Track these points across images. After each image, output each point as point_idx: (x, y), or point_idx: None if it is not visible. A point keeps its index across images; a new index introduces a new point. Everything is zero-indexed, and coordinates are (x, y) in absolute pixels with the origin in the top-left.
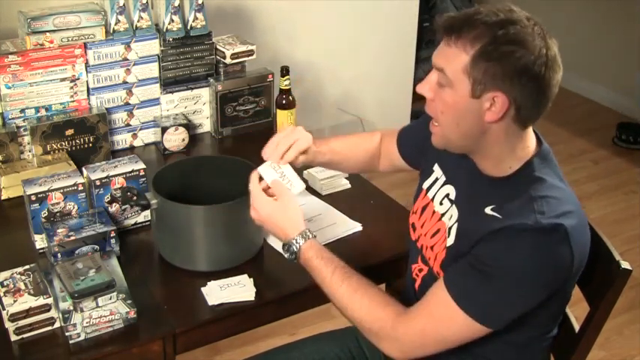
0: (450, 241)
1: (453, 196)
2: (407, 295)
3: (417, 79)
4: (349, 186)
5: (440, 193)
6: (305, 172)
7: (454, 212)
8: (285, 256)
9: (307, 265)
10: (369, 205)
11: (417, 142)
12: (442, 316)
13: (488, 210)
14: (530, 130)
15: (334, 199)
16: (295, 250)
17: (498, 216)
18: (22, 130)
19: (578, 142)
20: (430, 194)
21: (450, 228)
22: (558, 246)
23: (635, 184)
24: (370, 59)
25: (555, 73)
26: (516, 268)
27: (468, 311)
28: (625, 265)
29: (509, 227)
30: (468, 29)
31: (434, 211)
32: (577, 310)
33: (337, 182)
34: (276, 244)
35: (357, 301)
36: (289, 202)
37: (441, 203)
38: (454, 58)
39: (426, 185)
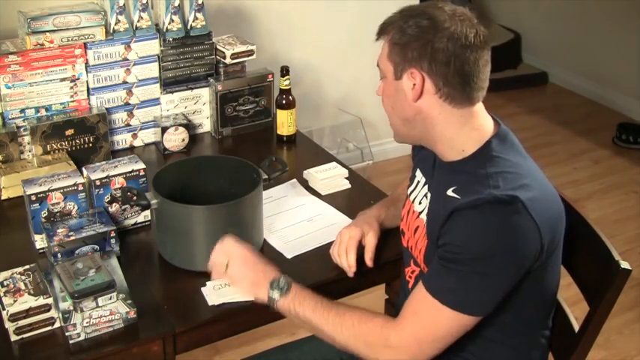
0: (426, 233)
1: (427, 193)
2: (401, 298)
3: None
4: (349, 186)
5: (419, 195)
6: (305, 172)
7: (427, 207)
8: (276, 292)
9: (296, 297)
10: (369, 205)
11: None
12: (427, 315)
13: (449, 192)
14: (477, 111)
15: (334, 199)
16: (287, 281)
17: (457, 197)
18: (22, 130)
19: (579, 141)
20: (412, 197)
21: (426, 222)
22: (517, 217)
23: (635, 184)
24: (370, 59)
25: (467, 51)
26: (480, 248)
27: (449, 304)
28: (625, 265)
29: (464, 204)
30: (391, 22)
31: (413, 211)
32: (577, 310)
33: (337, 182)
34: (277, 244)
35: (347, 320)
36: (252, 256)
37: (420, 203)
38: (382, 51)
39: (409, 191)
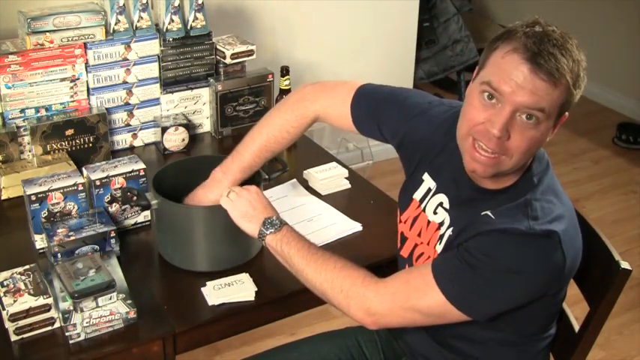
0: (440, 247)
1: (447, 205)
2: None
3: (417, 79)
4: (349, 186)
5: (432, 203)
6: (305, 172)
7: (447, 219)
8: (268, 228)
9: (287, 235)
10: (369, 205)
11: (389, 129)
12: (418, 286)
13: (484, 213)
14: None
15: (334, 199)
16: (279, 220)
17: (492, 216)
18: (22, 130)
19: (579, 142)
20: (422, 205)
21: (441, 236)
22: (551, 252)
23: (635, 184)
24: (370, 59)
25: None
26: (504, 265)
27: (444, 290)
28: (625, 265)
29: (502, 230)
30: (564, 68)
31: (429, 222)
32: (577, 310)
33: (337, 182)
34: None
35: (331, 264)
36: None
37: (435, 212)
38: (553, 94)
39: (418, 196)
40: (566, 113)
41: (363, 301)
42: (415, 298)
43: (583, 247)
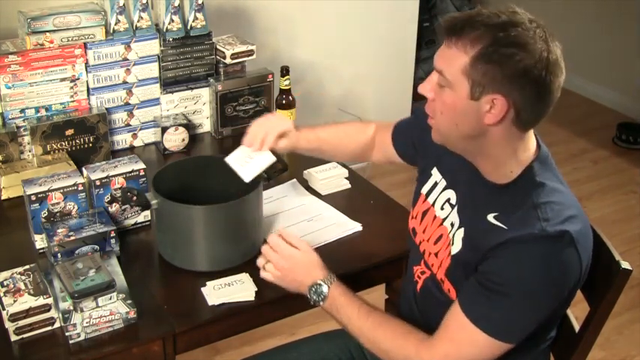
0: (455, 249)
1: (453, 201)
2: (405, 296)
3: (417, 79)
4: (349, 186)
5: (440, 198)
6: (305, 172)
7: (455, 218)
8: (313, 299)
9: (334, 304)
10: (369, 205)
11: (412, 139)
12: (463, 340)
13: (491, 218)
14: (531, 134)
15: (334, 199)
16: (325, 291)
17: (503, 227)
18: (22, 130)
19: (578, 142)
20: (430, 199)
21: (453, 235)
22: (566, 253)
23: (635, 184)
24: (370, 59)
25: (556, 77)
26: (526, 282)
27: (488, 331)
28: (625, 265)
29: (516, 239)
30: (469, 30)
31: (435, 216)
32: (577, 310)
33: (337, 182)
34: None
35: (381, 334)
36: (309, 247)
37: (442, 208)
38: (454, 60)
39: (425, 190)
40: (499, 97)
41: None
42: (466, 352)
43: None
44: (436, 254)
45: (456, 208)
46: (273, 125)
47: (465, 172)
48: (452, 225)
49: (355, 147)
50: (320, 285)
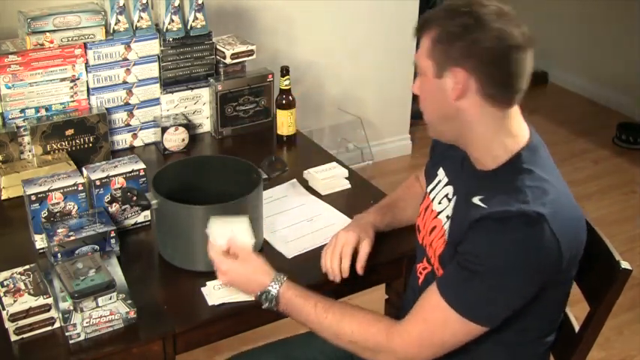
0: (448, 237)
1: (450, 195)
2: (407, 296)
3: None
4: (349, 186)
5: (440, 194)
6: (305, 172)
7: (450, 211)
8: (265, 305)
9: (289, 306)
10: (369, 205)
11: (432, 162)
12: (437, 320)
13: (476, 200)
14: (514, 115)
15: (334, 199)
16: (274, 294)
17: (484, 206)
18: (22, 130)
19: (578, 142)
20: (431, 195)
21: (448, 227)
22: (540, 235)
23: (635, 184)
24: (370, 59)
25: (513, 50)
26: (498, 259)
27: (460, 311)
28: (625, 265)
29: (491, 215)
30: (432, 20)
31: (432, 210)
32: (577, 310)
33: (337, 182)
34: (277, 244)
35: (346, 325)
36: (249, 254)
37: (439, 202)
38: (422, 49)
39: (429, 189)
40: (457, 69)
41: (392, 356)
42: (440, 333)
43: (583, 247)
44: (431, 244)
45: (452, 202)
46: (363, 247)
47: (464, 169)
48: (447, 217)
49: (415, 205)
50: (268, 291)
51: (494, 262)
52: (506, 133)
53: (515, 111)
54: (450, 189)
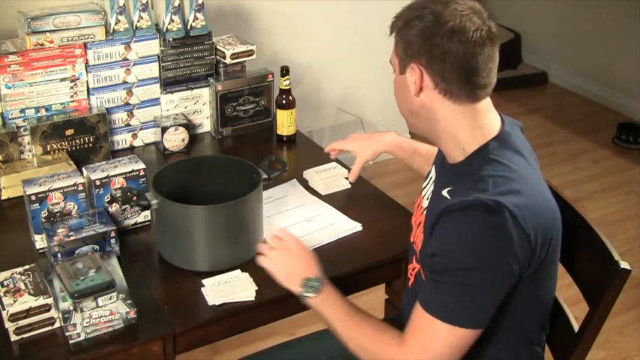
0: (424, 232)
1: (433, 191)
2: (403, 298)
3: None
4: (349, 186)
5: (429, 191)
6: (305, 172)
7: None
8: (304, 291)
9: (325, 300)
10: (369, 205)
11: None
12: (424, 332)
13: (445, 192)
14: (482, 109)
15: (334, 199)
16: (319, 285)
17: (449, 198)
18: (22, 130)
19: (579, 141)
20: (422, 193)
21: (426, 220)
22: (502, 223)
23: (635, 184)
24: (370, 59)
25: (466, 46)
26: (466, 257)
27: (443, 318)
28: (625, 265)
29: (450, 207)
30: (400, 17)
31: (421, 207)
32: (577, 310)
33: (337, 182)
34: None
35: (360, 332)
36: (306, 245)
37: (427, 199)
38: (393, 45)
39: (422, 186)
40: (414, 65)
41: None
42: (430, 343)
43: (583, 247)
44: (416, 241)
45: (432, 197)
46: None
47: (442, 162)
48: (427, 212)
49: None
50: (314, 280)
51: (458, 258)
52: (473, 127)
53: (484, 105)
54: (433, 185)
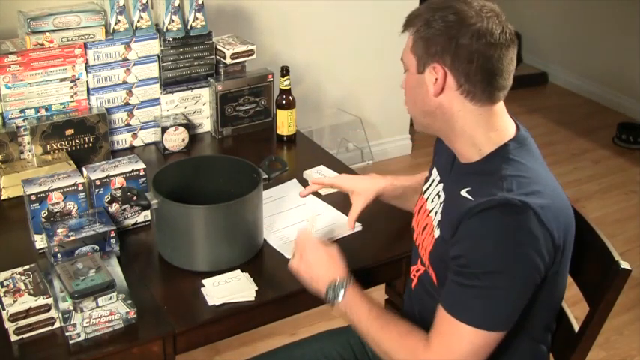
0: (437, 232)
1: (440, 192)
2: (404, 299)
3: None
4: None
5: (433, 193)
6: (305, 172)
7: (439, 206)
8: (331, 294)
9: (349, 304)
10: (369, 205)
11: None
12: (449, 335)
13: (464, 192)
14: (498, 111)
15: (334, 199)
16: (343, 289)
17: (471, 198)
18: (22, 130)
19: (579, 141)
20: (425, 195)
21: (434, 221)
22: (526, 224)
23: (635, 184)
24: (370, 59)
25: (491, 48)
26: (493, 259)
27: (468, 321)
28: (625, 265)
29: (476, 207)
30: (415, 17)
31: (425, 209)
32: (577, 310)
33: None
34: (277, 244)
35: (386, 334)
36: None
37: (432, 201)
38: (406, 44)
39: (424, 189)
40: (436, 65)
41: None
42: (455, 346)
43: (583, 247)
44: (423, 242)
45: (441, 199)
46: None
47: (451, 164)
48: (435, 214)
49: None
50: (338, 285)
51: (484, 261)
52: (489, 129)
53: (500, 107)
54: (440, 187)
